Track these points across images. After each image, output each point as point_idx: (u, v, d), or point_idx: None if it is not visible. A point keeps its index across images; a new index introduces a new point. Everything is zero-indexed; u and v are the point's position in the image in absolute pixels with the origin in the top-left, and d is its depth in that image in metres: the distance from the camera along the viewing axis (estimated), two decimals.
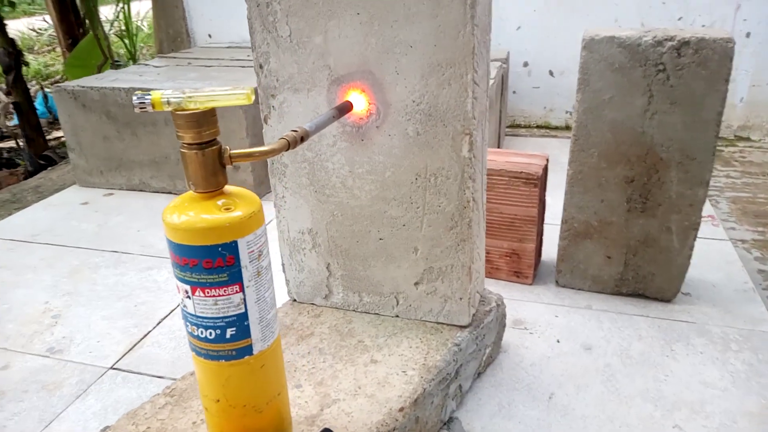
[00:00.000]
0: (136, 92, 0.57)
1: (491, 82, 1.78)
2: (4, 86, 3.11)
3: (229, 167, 0.61)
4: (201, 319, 0.62)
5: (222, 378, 0.66)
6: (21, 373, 1.10)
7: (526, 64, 2.45)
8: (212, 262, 0.60)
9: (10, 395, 1.04)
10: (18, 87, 2.75)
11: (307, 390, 0.86)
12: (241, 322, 0.63)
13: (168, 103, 0.57)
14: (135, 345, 1.18)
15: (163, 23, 2.88)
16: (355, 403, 0.83)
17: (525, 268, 1.34)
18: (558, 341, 1.16)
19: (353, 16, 0.83)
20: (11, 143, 3.13)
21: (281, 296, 1.09)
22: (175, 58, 2.40)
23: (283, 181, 0.98)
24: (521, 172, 1.26)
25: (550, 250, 1.41)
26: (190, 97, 0.57)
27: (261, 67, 0.92)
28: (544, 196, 1.34)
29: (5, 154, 3.00)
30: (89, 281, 1.41)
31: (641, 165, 1.18)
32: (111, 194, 1.97)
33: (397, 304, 1.00)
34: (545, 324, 1.21)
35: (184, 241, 0.59)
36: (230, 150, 0.61)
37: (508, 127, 2.51)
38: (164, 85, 1.88)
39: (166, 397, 0.86)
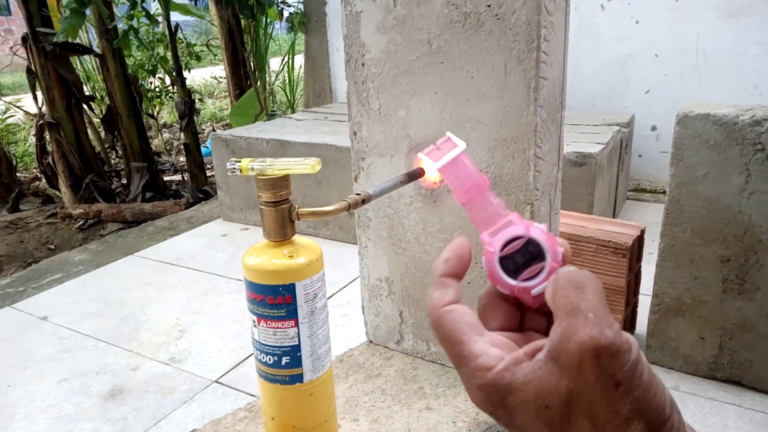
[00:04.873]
0: (231, 159, 0.73)
1: (602, 147, 1.78)
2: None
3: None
4: (263, 346, 0.75)
5: (277, 399, 0.77)
6: (146, 376, 1.31)
7: (654, 128, 2.38)
8: (274, 299, 0.72)
9: (134, 393, 1.26)
10: (189, 130, 3.23)
11: (362, 425, 0.94)
12: (294, 352, 0.74)
13: (252, 169, 0.71)
14: (238, 364, 1.35)
15: (311, 80, 3.23)
16: None
17: None
18: None
19: (432, 94, 0.94)
20: (179, 177, 3.65)
21: (360, 336, 1.20)
22: (315, 112, 2.68)
23: (367, 232, 1.10)
24: (609, 241, 1.26)
25: (646, 323, 1.37)
26: (269, 165, 0.71)
27: (355, 134, 1.06)
28: (638, 266, 1.32)
29: (174, 187, 3.51)
30: (214, 304, 1.63)
31: (738, 245, 1.14)
32: (246, 229, 2.24)
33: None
34: None
35: (254, 279, 0.72)
36: (298, 208, 0.74)
37: (631, 191, 2.44)
38: (299, 137, 2.12)
39: (245, 411, 1.00)
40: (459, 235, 0.36)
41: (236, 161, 0.72)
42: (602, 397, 0.26)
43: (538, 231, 0.35)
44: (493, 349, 0.30)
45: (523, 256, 0.34)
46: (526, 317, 0.36)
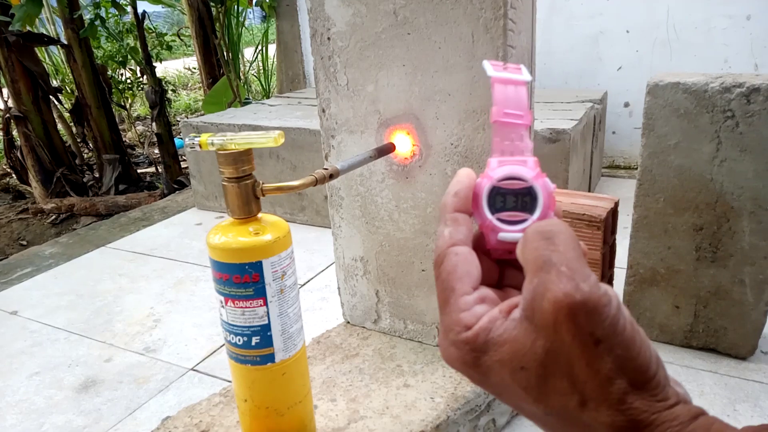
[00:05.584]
0: (190, 134, 0.70)
1: (575, 123, 1.78)
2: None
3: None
4: (232, 326, 0.73)
5: (248, 380, 0.76)
6: (119, 367, 1.29)
7: (627, 105, 2.39)
8: (240, 278, 0.70)
9: (107, 384, 1.23)
10: (161, 120, 3.17)
11: (340, 404, 0.93)
12: (264, 332, 0.73)
13: (212, 144, 0.69)
14: (214, 351, 1.33)
15: (284, 65, 3.18)
16: (380, 422, 0.89)
17: None
18: None
19: (399, 67, 0.92)
20: (153, 169, 3.59)
21: (339, 319, 1.19)
22: (288, 97, 2.64)
23: (340, 212, 1.08)
24: (584, 215, 1.26)
25: (621, 295, 1.37)
26: (230, 139, 0.69)
27: (324, 111, 1.03)
28: (612, 239, 1.32)
29: (148, 178, 3.45)
30: (188, 292, 1.61)
31: (710, 213, 1.14)
32: (221, 217, 2.20)
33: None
34: None
35: (219, 258, 0.70)
36: (263, 183, 0.71)
37: (605, 167, 2.45)
38: (272, 123, 2.09)
39: (220, 396, 0.98)
40: (463, 168, 0.34)
41: (196, 136, 0.70)
42: (581, 356, 0.25)
43: (543, 184, 0.32)
44: (479, 307, 0.28)
45: (515, 201, 0.32)
46: (505, 274, 0.35)
